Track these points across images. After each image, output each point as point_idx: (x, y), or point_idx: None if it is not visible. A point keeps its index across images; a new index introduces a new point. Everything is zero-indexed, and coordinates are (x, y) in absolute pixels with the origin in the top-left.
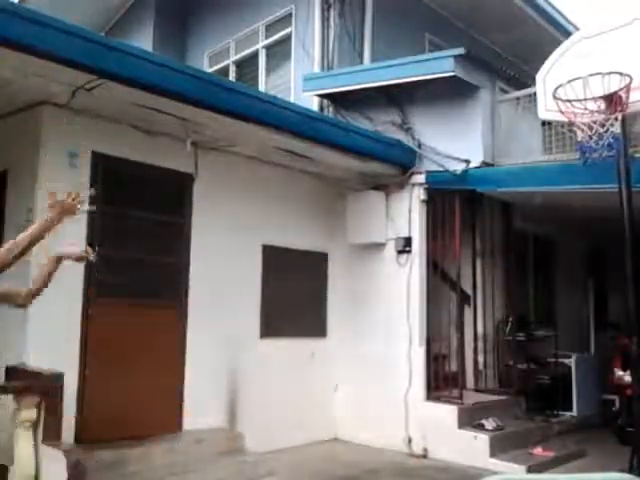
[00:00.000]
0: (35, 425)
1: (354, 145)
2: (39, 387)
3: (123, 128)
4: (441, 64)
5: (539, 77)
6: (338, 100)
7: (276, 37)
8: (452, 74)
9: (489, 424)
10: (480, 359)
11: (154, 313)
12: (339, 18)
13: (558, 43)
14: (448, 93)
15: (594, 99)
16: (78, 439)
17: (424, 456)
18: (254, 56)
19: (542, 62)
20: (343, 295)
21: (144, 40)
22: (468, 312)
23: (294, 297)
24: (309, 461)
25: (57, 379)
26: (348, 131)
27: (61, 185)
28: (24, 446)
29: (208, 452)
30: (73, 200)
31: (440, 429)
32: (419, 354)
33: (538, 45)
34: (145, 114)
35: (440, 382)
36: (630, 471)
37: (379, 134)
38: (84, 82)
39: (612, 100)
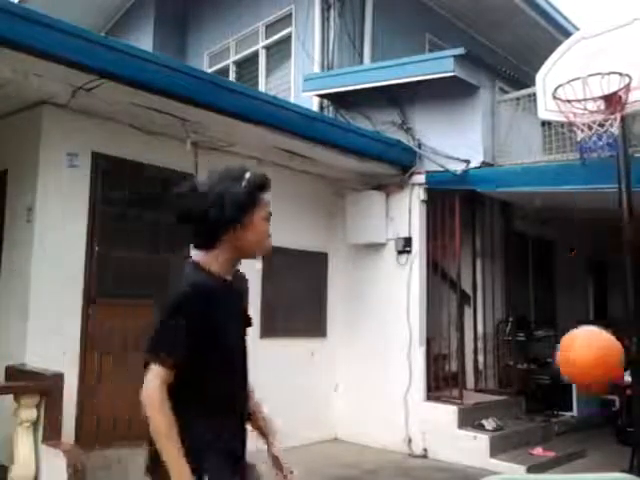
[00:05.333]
0: (35, 425)
1: (354, 145)
2: (39, 387)
3: (123, 128)
4: (441, 64)
5: (539, 77)
6: (338, 100)
7: (276, 37)
8: (452, 74)
9: (489, 424)
10: (480, 359)
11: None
12: (339, 18)
13: (558, 43)
14: (448, 93)
15: (594, 99)
16: (78, 439)
17: (424, 456)
18: (254, 56)
19: (542, 62)
20: (343, 295)
21: (144, 40)
22: (468, 312)
23: (294, 297)
24: (309, 461)
25: (57, 379)
26: (348, 131)
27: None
28: (24, 446)
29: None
30: None
31: (440, 429)
32: (419, 354)
33: (538, 45)
34: (145, 114)
35: (440, 382)
36: (630, 471)
37: (379, 134)
38: (84, 82)
39: (612, 100)
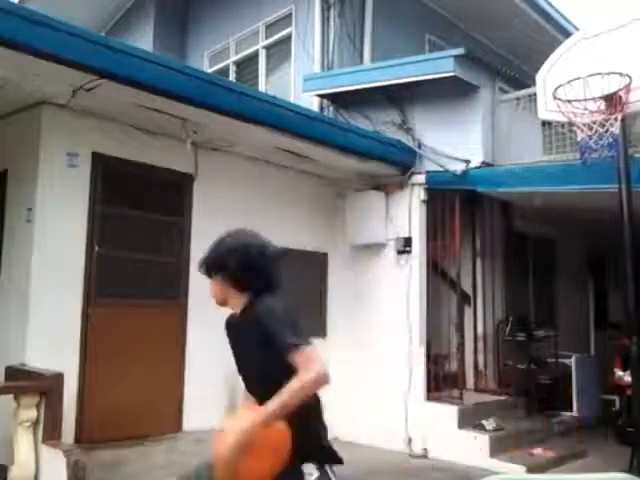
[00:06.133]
0: (35, 425)
1: (354, 145)
2: (39, 387)
3: (123, 128)
4: (441, 64)
5: (539, 77)
6: (338, 100)
7: (276, 37)
8: (452, 74)
9: (489, 424)
10: (480, 359)
11: (154, 313)
12: (339, 18)
13: (558, 43)
14: (448, 93)
15: (594, 99)
16: (78, 439)
17: (424, 456)
18: (254, 56)
19: (542, 62)
20: (343, 295)
21: (144, 40)
22: (468, 312)
23: (294, 297)
24: None
25: (57, 379)
26: (348, 131)
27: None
28: (24, 446)
29: (208, 452)
30: None
31: (440, 429)
32: (419, 354)
33: (538, 45)
34: (145, 114)
35: (440, 382)
36: (630, 471)
37: (379, 134)
38: (84, 82)
39: (612, 100)
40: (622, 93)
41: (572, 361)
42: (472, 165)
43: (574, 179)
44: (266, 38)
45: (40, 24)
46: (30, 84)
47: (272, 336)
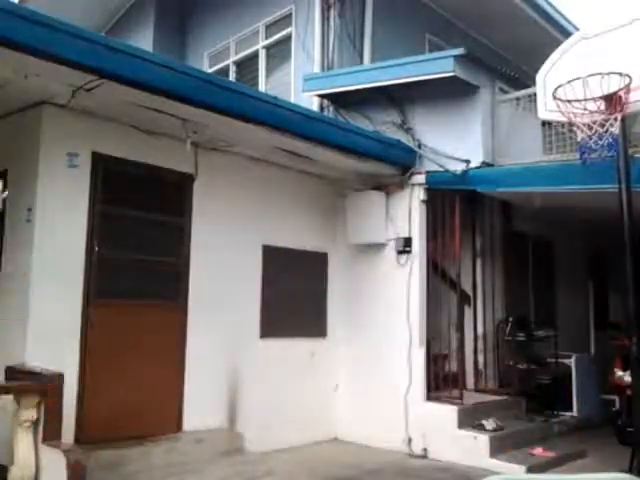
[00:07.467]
0: (35, 425)
1: (354, 145)
2: (39, 387)
3: (123, 128)
4: (441, 64)
5: (539, 77)
6: (338, 100)
7: (276, 37)
8: (452, 74)
9: (489, 424)
10: (480, 359)
11: (154, 313)
12: (339, 18)
13: (558, 43)
14: (448, 93)
15: (594, 99)
16: (78, 439)
17: (424, 456)
18: (254, 56)
19: (542, 62)
20: (343, 295)
21: (144, 40)
22: (468, 312)
23: (294, 297)
24: (309, 461)
25: (57, 379)
26: (348, 131)
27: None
28: (24, 446)
29: (208, 452)
30: None
31: (440, 429)
32: (419, 354)
33: (538, 45)
34: (145, 114)
35: (440, 382)
36: (630, 471)
37: (379, 134)
38: (84, 82)
39: (612, 100)
40: (622, 93)
41: (572, 361)
42: (472, 165)
43: (574, 179)
44: (266, 38)
45: (40, 24)
46: (30, 84)
47: None
